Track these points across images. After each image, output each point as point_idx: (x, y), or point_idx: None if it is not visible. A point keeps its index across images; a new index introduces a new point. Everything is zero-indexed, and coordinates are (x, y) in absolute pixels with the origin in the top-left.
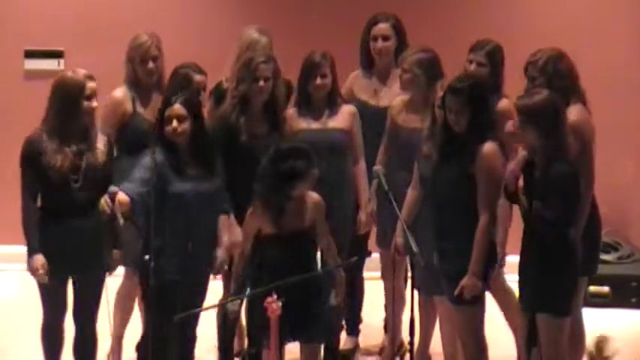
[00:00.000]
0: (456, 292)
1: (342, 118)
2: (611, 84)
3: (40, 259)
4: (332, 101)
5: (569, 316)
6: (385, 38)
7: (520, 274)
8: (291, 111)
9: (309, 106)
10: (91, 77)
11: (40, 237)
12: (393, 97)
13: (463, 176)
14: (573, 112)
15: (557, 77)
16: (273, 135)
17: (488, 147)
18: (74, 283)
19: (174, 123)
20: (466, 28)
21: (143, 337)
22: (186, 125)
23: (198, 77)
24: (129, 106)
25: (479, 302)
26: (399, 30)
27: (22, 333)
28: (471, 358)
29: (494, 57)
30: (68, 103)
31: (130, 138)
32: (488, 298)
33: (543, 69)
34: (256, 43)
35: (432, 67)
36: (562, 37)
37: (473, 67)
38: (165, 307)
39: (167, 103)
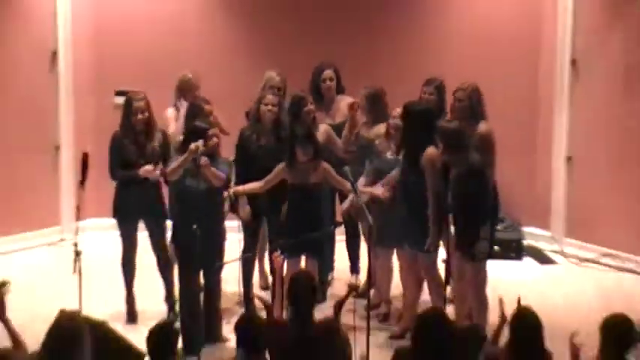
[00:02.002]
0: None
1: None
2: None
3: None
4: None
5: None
6: (331, 79)
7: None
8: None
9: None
10: (140, 99)
11: (119, 197)
12: (340, 116)
13: (421, 174)
14: (484, 127)
15: (476, 101)
16: (278, 146)
17: (429, 151)
18: (147, 228)
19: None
20: (413, 69)
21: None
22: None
23: (207, 107)
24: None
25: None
26: (337, 74)
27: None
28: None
29: (441, 90)
30: (125, 116)
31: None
32: None
33: (470, 94)
34: (271, 80)
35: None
36: (470, 73)
37: (425, 96)
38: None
39: (204, 130)
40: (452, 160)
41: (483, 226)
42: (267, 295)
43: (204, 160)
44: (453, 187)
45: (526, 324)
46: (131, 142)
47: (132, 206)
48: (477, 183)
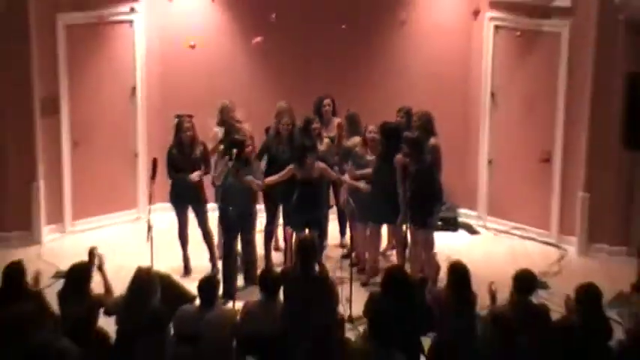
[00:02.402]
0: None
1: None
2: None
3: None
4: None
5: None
6: (329, 105)
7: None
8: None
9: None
10: (187, 121)
11: (173, 189)
12: (334, 132)
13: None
14: (433, 140)
15: (426, 121)
16: (290, 152)
17: (399, 156)
18: (193, 211)
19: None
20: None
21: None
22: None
23: (238, 125)
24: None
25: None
26: (333, 102)
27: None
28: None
29: (409, 114)
30: (176, 133)
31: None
32: None
33: (421, 117)
34: (282, 107)
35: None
36: (423, 101)
37: (398, 119)
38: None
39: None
40: (411, 160)
41: (435, 206)
42: (280, 255)
43: (248, 177)
44: (411, 180)
45: (458, 272)
46: (179, 152)
47: (181, 196)
48: (427, 177)
